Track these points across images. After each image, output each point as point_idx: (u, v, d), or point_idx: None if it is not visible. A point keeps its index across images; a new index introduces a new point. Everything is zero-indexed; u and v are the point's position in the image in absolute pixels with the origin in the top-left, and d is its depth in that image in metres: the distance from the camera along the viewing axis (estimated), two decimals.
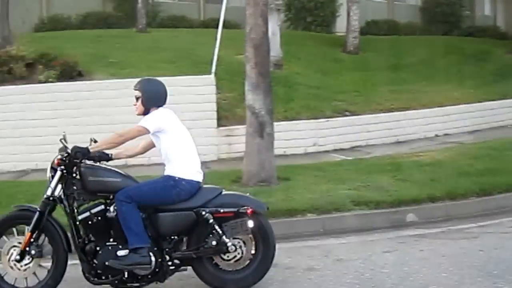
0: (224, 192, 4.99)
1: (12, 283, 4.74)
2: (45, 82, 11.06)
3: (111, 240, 4.76)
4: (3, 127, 10.70)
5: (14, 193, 8.20)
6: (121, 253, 4.67)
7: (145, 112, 4.94)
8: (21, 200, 7.66)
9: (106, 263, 4.64)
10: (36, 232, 4.74)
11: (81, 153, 4.68)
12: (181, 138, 4.95)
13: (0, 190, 8.44)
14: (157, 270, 4.72)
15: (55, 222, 4.79)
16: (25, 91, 10.89)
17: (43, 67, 11.49)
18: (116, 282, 4.70)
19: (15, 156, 10.68)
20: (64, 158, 4.73)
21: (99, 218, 4.75)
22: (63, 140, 4.88)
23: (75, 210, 4.79)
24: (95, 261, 4.68)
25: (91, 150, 4.77)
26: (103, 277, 4.70)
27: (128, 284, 4.74)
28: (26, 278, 4.73)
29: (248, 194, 5.15)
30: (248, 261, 4.90)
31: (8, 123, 10.69)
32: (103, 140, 4.86)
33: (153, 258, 4.67)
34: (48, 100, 10.72)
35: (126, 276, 4.70)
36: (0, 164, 10.61)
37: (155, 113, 4.92)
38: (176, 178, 4.79)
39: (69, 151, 4.71)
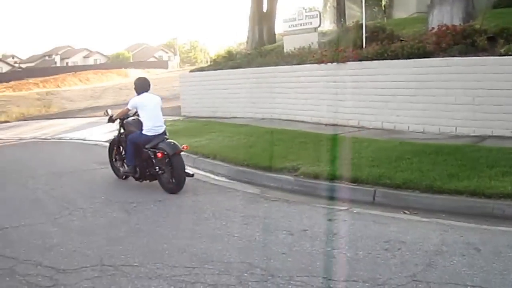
0: (167, 140, 9.04)
1: (119, 169, 10.19)
2: (505, 54, 11.18)
3: None
4: (466, 94, 11.47)
5: (476, 157, 8.92)
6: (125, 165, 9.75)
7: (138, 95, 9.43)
8: (482, 164, 8.39)
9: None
10: (118, 148, 10.15)
11: (108, 117, 9.98)
12: (145, 112, 9.20)
13: (464, 153, 9.27)
14: (143, 176, 9.34)
15: (125, 144, 9.68)
16: (486, 62, 11.30)
17: (503, 41, 11.79)
18: (133, 177, 9.54)
19: (474, 122, 11.38)
20: (109, 118, 10.02)
21: None
22: (108, 110, 10.22)
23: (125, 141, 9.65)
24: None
25: (113, 117, 9.84)
26: (128, 174, 9.67)
27: (135, 180, 9.51)
28: (122, 168, 10.00)
29: (173, 142, 9.02)
30: (171, 179, 8.87)
31: (468, 91, 11.44)
32: (117, 112, 9.82)
33: (138, 170, 9.30)
34: (508, 72, 10.89)
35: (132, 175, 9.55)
36: (461, 128, 11.56)
37: (134, 98, 9.41)
38: (142, 132, 9.22)
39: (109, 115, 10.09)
